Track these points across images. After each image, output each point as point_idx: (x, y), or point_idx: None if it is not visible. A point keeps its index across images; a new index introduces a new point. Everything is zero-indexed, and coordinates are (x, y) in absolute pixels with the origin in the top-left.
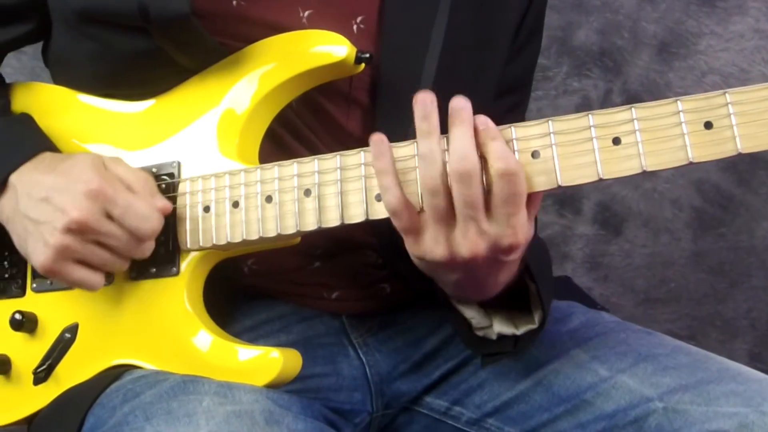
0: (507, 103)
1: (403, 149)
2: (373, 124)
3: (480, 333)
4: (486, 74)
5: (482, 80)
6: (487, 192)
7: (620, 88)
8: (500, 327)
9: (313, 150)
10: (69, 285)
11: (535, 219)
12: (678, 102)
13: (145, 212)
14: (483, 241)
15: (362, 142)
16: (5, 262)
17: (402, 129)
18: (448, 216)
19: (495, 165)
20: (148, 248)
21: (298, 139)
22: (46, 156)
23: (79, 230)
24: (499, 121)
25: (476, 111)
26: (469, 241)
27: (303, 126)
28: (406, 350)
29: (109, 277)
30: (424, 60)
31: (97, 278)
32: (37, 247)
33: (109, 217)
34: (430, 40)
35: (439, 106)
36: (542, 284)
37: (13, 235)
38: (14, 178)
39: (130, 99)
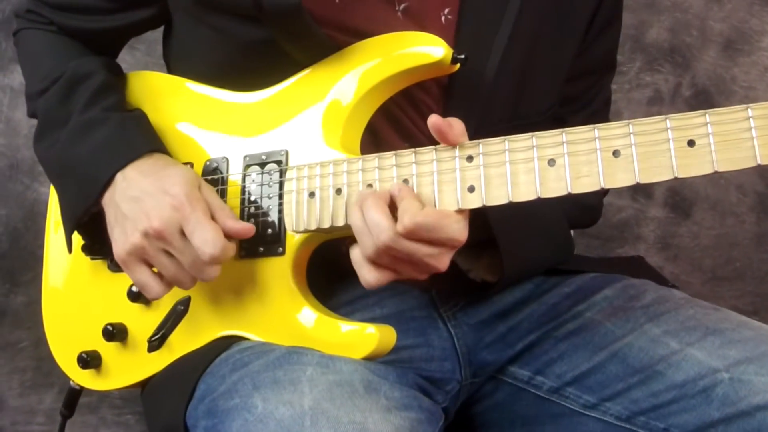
0: (590, 80)
1: (495, 145)
2: (446, 115)
3: (471, 275)
4: (554, 65)
5: (550, 71)
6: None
7: (689, 82)
8: (484, 274)
9: (412, 139)
10: (133, 282)
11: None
12: (749, 109)
13: (211, 237)
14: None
15: None
16: None
17: (469, 119)
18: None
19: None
20: (212, 274)
21: (398, 131)
22: (153, 157)
23: (154, 236)
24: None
25: (541, 96)
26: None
27: (403, 116)
28: (491, 323)
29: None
30: (489, 52)
31: (158, 287)
32: (120, 237)
33: (183, 233)
34: (497, 33)
35: (502, 98)
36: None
37: (107, 217)
38: (119, 176)
39: (242, 90)
